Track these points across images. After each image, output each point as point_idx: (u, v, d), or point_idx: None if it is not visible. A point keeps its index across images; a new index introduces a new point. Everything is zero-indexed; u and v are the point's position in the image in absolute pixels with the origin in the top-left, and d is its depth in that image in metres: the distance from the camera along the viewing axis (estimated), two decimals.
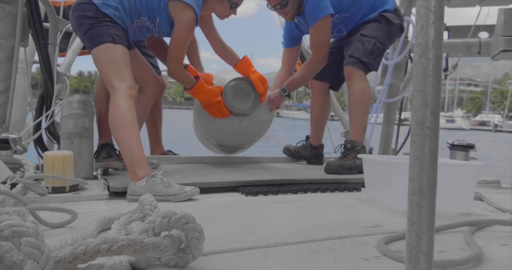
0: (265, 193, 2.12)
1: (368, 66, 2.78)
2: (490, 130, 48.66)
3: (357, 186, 2.34)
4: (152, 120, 3.32)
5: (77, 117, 2.29)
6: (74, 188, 1.96)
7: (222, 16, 2.57)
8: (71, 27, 3.73)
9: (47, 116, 2.63)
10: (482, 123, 54.12)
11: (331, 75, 3.13)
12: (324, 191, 2.26)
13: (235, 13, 2.58)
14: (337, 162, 2.70)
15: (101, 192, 1.96)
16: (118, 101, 2.05)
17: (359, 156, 2.14)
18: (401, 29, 2.98)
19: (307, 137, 3.40)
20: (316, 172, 2.70)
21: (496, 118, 56.74)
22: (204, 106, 2.71)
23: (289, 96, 2.96)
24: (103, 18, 2.15)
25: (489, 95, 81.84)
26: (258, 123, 2.83)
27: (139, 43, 2.73)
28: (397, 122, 4.00)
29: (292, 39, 3.10)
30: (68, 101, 2.34)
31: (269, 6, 2.81)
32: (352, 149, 2.75)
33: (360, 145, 2.77)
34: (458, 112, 65.97)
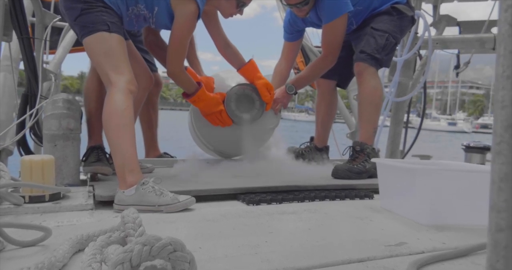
0: (268, 202, 1.91)
1: (380, 62, 2.58)
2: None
3: (369, 193, 2.13)
4: (148, 121, 3.13)
5: (61, 118, 2.08)
6: (55, 197, 1.75)
7: (226, 15, 2.36)
8: (58, 22, 3.57)
9: (30, 116, 2.42)
10: (485, 126, 53.70)
11: (339, 72, 2.93)
12: (333, 198, 2.04)
13: (241, 13, 2.38)
14: (345, 165, 2.49)
15: (85, 201, 1.75)
16: (115, 96, 1.82)
17: (373, 160, 1.92)
18: (412, 21, 2.78)
19: (311, 138, 3.20)
20: (322, 177, 2.49)
21: None
22: (204, 115, 2.52)
23: (295, 94, 2.76)
24: (96, 3, 1.92)
25: (491, 98, 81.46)
26: (262, 131, 2.62)
27: (134, 38, 2.52)
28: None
29: (295, 32, 2.88)
30: (52, 100, 2.13)
31: (285, 3, 2.60)
32: (362, 151, 2.54)
33: (370, 147, 2.56)
34: (459, 115, 65.60)
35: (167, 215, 1.65)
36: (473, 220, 1.52)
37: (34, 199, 1.69)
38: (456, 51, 3.92)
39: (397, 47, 3.36)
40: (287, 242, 1.29)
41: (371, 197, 2.10)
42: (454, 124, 52.53)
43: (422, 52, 3.80)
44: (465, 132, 47.10)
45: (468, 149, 2.90)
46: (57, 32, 3.96)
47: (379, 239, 1.33)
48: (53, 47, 3.89)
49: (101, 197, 1.79)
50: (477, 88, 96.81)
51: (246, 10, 2.38)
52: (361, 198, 2.09)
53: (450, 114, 68.60)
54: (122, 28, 2.01)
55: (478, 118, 67.44)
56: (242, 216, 1.64)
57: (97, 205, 1.80)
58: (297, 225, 1.51)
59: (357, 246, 1.25)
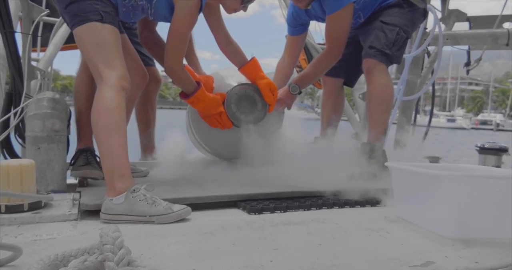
0: (272, 210, 1.74)
1: (391, 58, 2.41)
2: (492, 129, 48.22)
3: (380, 199, 1.96)
4: (145, 120, 2.97)
5: (45, 118, 1.91)
6: (35, 206, 1.58)
7: (230, 10, 2.20)
8: (49, 18, 3.39)
9: (15, 117, 2.25)
10: (484, 122, 53.53)
11: (346, 70, 2.76)
12: (342, 205, 1.88)
13: (245, 10, 2.22)
14: (354, 168, 2.32)
15: (68, 211, 1.58)
16: (106, 93, 1.65)
17: (387, 164, 1.75)
18: (424, 14, 2.60)
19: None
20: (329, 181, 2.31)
21: (498, 117, 56.23)
22: (203, 117, 2.35)
23: (299, 93, 2.59)
24: None
25: (490, 94, 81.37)
26: (264, 134, 2.44)
27: (129, 31, 2.35)
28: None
29: (299, 25, 2.70)
30: (36, 99, 1.97)
31: None
32: (370, 153, 2.37)
33: (379, 149, 2.38)
34: (458, 112, 65.53)
35: (159, 226, 1.48)
36: (505, 233, 1.35)
37: (11, 209, 1.52)
38: (465, 47, 3.75)
39: None
40: (295, 261, 1.12)
41: (383, 204, 1.93)
42: (453, 121, 52.48)
43: (431, 48, 3.64)
44: (464, 128, 47.04)
45: (483, 150, 2.72)
46: (49, 28, 3.80)
47: (401, 257, 1.16)
48: (46, 45, 3.73)
49: (87, 206, 1.62)
50: (476, 84, 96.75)
51: None
52: (373, 204, 1.92)
53: (449, 111, 68.55)
54: (116, 19, 1.84)
55: (477, 114, 67.38)
56: (243, 228, 1.47)
57: (82, 214, 1.64)
58: (306, 240, 1.34)
59: (378, 267, 1.08)
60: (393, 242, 1.33)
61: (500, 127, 49.04)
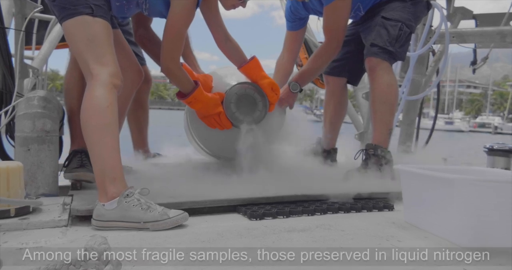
0: (274, 215, 1.65)
1: (394, 55, 2.32)
2: (490, 132, 48.22)
3: (388, 203, 1.88)
4: (137, 122, 2.87)
5: (36, 118, 1.82)
6: (23, 211, 1.49)
7: (228, 6, 2.12)
8: (43, 15, 3.30)
9: (6, 116, 2.15)
10: (482, 125, 53.54)
11: (348, 68, 2.66)
12: (347, 210, 1.79)
13: (243, 6, 2.13)
14: (358, 171, 2.24)
15: (58, 217, 1.49)
16: (96, 91, 1.57)
17: (396, 166, 1.66)
18: (428, 7, 2.52)
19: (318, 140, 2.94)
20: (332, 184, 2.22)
21: (496, 120, 56.25)
22: (201, 117, 2.26)
23: (301, 91, 2.50)
24: None
25: (489, 97, 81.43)
26: (265, 134, 2.36)
27: (122, 28, 2.26)
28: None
29: (297, 20, 2.61)
30: (26, 98, 1.88)
31: None
32: (376, 155, 2.28)
33: (385, 151, 2.30)
34: (457, 114, 65.56)
35: (154, 234, 1.39)
36: None
37: None
38: (472, 46, 3.66)
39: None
40: None
41: (391, 209, 1.84)
42: (451, 123, 52.48)
43: (435, 47, 3.56)
44: (462, 131, 47.05)
45: (492, 151, 2.63)
46: (45, 26, 3.71)
47: None
48: (41, 43, 3.64)
49: (78, 211, 1.53)
50: (475, 87, 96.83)
51: (243, 9, 2.17)
52: (380, 209, 1.84)
53: (447, 114, 68.62)
54: (108, 13, 1.74)
55: (476, 117, 67.46)
56: (244, 236, 1.37)
57: (74, 220, 1.55)
58: (312, 249, 1.24)
59: None
60: (405, 252, 1.24)
61: (499, 130, 49.07)
